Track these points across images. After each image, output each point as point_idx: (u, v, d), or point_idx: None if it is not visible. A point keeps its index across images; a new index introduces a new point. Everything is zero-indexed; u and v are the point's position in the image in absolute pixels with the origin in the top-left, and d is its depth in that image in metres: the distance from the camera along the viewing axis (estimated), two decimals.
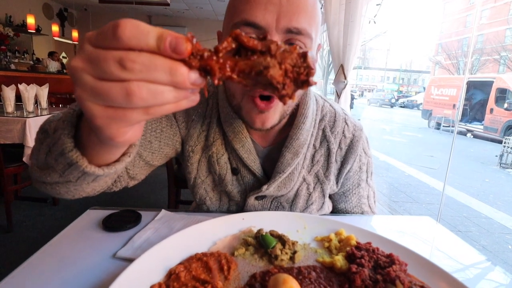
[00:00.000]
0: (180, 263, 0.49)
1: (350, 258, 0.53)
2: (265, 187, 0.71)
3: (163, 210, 0.73)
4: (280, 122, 0.67)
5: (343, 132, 0.77)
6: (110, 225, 0.64)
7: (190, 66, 0.25)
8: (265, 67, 0.27)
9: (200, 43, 0.26)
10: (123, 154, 0.41)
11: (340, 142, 0.77)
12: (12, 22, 6.44)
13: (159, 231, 0.64)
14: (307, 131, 0.72)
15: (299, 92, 0.64)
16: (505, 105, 9.15)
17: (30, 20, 5.87)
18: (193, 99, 0.28)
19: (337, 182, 0.79)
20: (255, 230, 0.61)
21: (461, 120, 11.03)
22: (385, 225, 0.79)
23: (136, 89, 0.24)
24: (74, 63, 0.25)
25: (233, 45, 0.27)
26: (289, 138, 0.71)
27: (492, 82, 9.92)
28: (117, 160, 0.41)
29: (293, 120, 0.72)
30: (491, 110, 9.63)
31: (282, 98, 0.29)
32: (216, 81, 0.26)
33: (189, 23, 9.11)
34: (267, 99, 0.59)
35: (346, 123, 0.78)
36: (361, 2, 1.51)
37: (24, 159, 2.21)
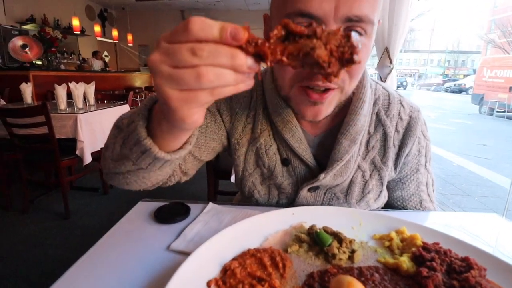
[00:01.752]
0: (234, 259, 0.47)
1: (418, 260, 0.48)
2: (322, 175, 0.68)
3: (210, 203, 0.72)
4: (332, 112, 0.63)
5: (399, 114, 0.71)
6: (161, 217, 0.65)
7: (247, 52, 0.29)
8: (311, 48, 0.30)
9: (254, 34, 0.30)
10: (185, 143, 0.47)
11: (396, 125, 0.71)
12: (59, 25, 6.93)
13: (208, 224, 0.64)
14: (365, 117, 0.68)
15: (357, 75, 0.58)
16: None
17: (75, 22, 6.26)
18: (249, 83, 0.32)
19: (395, 168, 0.74)
20: (306, 226, 0.58)
21: None
22: (446, 222, 0.71)
23: (204, 72, 0.28)
24: (153, 57, 0.30)
25: (283, 32, 0.31)
26: (345, 124, 0.67)
27: None
28: (181, 148, 0.47)
29: (346, 105, 0.68)
30: None
31: (328, 77, 0.32)
32: (269, 63, 0.30)
33: (220, 15, 9.15)
34: (323, 91, 0.55)
35: (402, 105, 0.72)
36: None
37: (77, 152, 2.39)
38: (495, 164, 4.85)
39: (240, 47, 0.29)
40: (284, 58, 0.30)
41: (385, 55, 1.68)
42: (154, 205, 0.71)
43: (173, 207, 0.69)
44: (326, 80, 0.32)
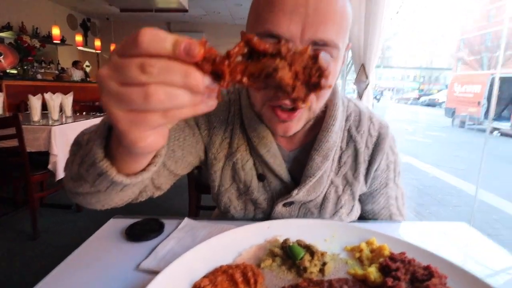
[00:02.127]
0: (205, 276, 0.47)
1: (385, 270, 0.49)
2: (295, 191, 0.69)
3: (186, 218, 0.72)
4: (304, 127, 0.65)
5: (369, 131, 0.74)
6: (133, 234, 0.63)
7: (203, 70, 0.27)
8: (274, 69, 0.27)
9: (214, 48, 0.27)
10: (149, 164, 0.42)
11: (367, 141, 0.74)
12: (38, 34, 6.75)
13: (182, 240, 0.63)
14: (336, 133, 0.70)
15: (325, 95, 0.61)
16: None
17: (56, 31, 6.12)
18: (211, 104, 0.29)
19: (366, 182, 0.76)
20: (281, 240, 0.59)
21: (486, 118, 10.51)
22: (416, 232, 0.74)
23: (153, 91, 0.25)
24: (101, 71, 0.27)
25: (245, 50, 0.28)
26: (318, 140, 0.69)
27: None
28: (144, 170, 0.42)
29: (320, 120, 0.70)
30: None
31: (294, 102, 0.29)
32: (225, 85, 0.27)
33: (207, 28, 9.24)
34: (290, 110, 0.57)
35: (372, 121, 0.75)
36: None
37: (49, 166, 2.28)
38: (467, 175, 5.07)
39: (196, 64, 0.26)
40: (245, 79, 0.27)
41: (362, 71, 1.75)
42: (127, 222, 0.69)
43: (146, 223, 0.68)
44: (293, 104, 0.30)
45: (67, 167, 0.53)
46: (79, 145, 0.50)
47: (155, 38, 0.25)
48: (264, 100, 0.58)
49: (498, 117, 10.81)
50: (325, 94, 0.60)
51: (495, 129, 10.35)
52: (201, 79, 0.26)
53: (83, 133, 0.53)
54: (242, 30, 0.66)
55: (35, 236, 2.34)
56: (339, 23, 0.52)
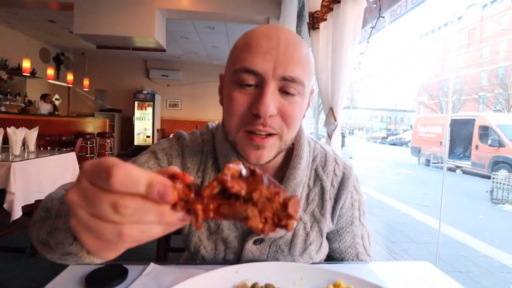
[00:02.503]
0: None
1: None
2: None
3: (151, 264, 0.68)
4: (275, 158, 0.68)
5: (334, 171, 0.79)
6: (94, 282, 0.59)
7: (177, 210, 0.28)
8: (245, 217, 0.29)
9: (188, 176, 0.30)
10: None
11: (332, 180, 0.79)
12: (7, 66, 6.58)
13: (147, 287, 0.59)
14: (303, 171, 0.74)
15: (296, 127, 0.66)
16: (489, 142, 9.45)
17: (26, 64, 6.01)
18: (184, 223, 0.31)
19: (332, 220, 0.79)
20: (249, 284, 0.58)
21: (449, 157, 11.26)
22: (383, 272, 0.75)
23: (127, 231, 0.27)
24: (71, 196, 0.27)
25: (217, 189, 0.30)
26: (286, 178, 0.73)
27: (474, 120, 10.35)
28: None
29: (288, 161, 0.74)
30: (477, 146, 9.91)
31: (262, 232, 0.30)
32: (198, 225, 0.29)
33: (184, 67, 9.47)
34: (264, 135, 0.62)
35: (337, 162, 0.81)
36: (345, 50, 1.62)
37: (5, 205, 2.11)
38: (435, 211, 5.27)
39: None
40: (216, 216, 0.29)
41: (330, 114, 1.86)
42: (87, 268, 0.65)
43: (108, 270, 0.64)
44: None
45: (34, 227, 0.51)
46: (47, 212, 0.49)
47: (128, 180, 0.26)
48: (239, 126, 0.63)
49: (462, 156, 11.64)
50: (295, 125, 0.64)
51: (457, 167, 11.06)
52: (174, 218, 0.28)
53: (52, 198, 0.53)
54: (220, 73, 0.71)
55: None
56: (303, 65, 0.61)
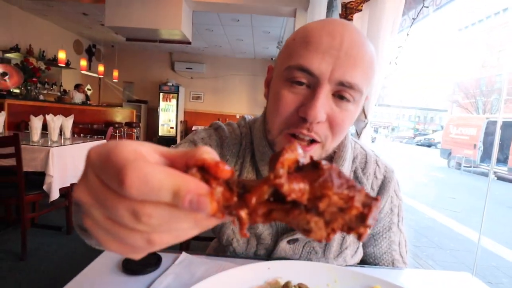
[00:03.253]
0: None
1: None
2: None
3: (183, 253, 0.69)
4: None
5: (374, 174, 0.75)
6: (130, 268, 0.61)
7: (216, 216, 0.22)
8: (305, 229, 0.22)
9: (225, 166, 0.22)
10: None
11: (372, 183, 0.75)
12: (44, 57, 6.94)
13: (180, 277, 0.60)
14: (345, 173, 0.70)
15: (341, 136, 0.62)
16: None
17: (62, 55, 6.31)
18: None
19: None
20: (281, 282, 0.57)
21: (482, 161, 10.63)
22: (420, 281, 0.72)
23: (157, 239, 0.21)
24: (80, 194, 0.22)
25: (268, 193, 0.22)
26: None
27: None
28: None
29: (329, 160, 0.71)
30: None
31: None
32: (243, 233, 0.22)
33: (208, 60, 9.57)
34: (307, 142, 0.58)
35: (377, 165, 0.76)
36: (382, 44, 1.54)
37: (45, 187, 2.25)
38: (464, 218, 5.02)
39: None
40: (267, 222, 0.22)
41: (361, 111, 1.80)
42: None
43: (143, 257, 0.65)
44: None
45: (73, 211, 0.50)
46: (77, 206, 0.46)
47: (146, 187, 0.19)
48: (282, 127, 0.59)
49: (496, 160, 10.97)
50: (341, 135, 0.61)
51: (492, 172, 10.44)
52: (214, 223, 0.22)
53: None
54: (270, 64, 0.69)
55: (24, 257, 2.26)
56: (365, 70, 0.56)
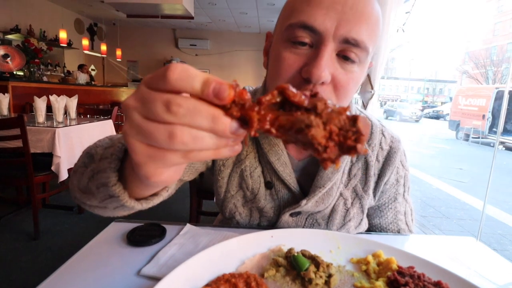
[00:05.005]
0: (208, 285, 0.45)
1: (393, 284, 0.48)
2: (303, 202, 0.67)
3: (188, 225, 0.70)
4: None
5: (380, 144, 0.73)
6: (134, 239, 0.62)
7: (231, 115, 0.25)
8: (307, 125, 0.25)
9: (246, 91, 0.26)
10: (162, 189, 0.42)
11: (377, 155, 0.73)
12: (45, 37, 6.84)
13: (184, 247, 0.61)
14: None
15: (345, 100, 0.58)
16: None
17: (63, 35, 6.21)
18: (235, 149, 0.28)
19: (374, 196, 0.74)
20: (285, 249, 0.57)
21: (491, 132, 10.44)
22: (424, 246, 0.72)
23: (179, 132, 0.24)
24: (128, 101, 0.26)
25: (278, 99, 0.26)
26: None
27: None
28: (155, 194, 0.42)
29: None
30: None
31: (323, 162, 0.26)
32: (252, 133, 0.26)
33: (212, 35, 9.33)
34: None
35: (383, 135, 0.74)
36: (389, 9, 1.47)
37: (53, 168, 2.29)
38: (471, 188, 5.01)
39: (224, 107, 0.25)
40: (273, 130, 0.26)
41: (367, 81, 1.74)
42: (128, 226, 0.68)
43: (147, 228, 0.66)
44: (320, 164, 0.28)
45: (75, 176, 0.50)
46: (91, 158, 0.48)
47: (184, 75, 0.24)
48: None
49: (503, 130, 10.75)
50: (346, 100, 0.58)
51: (500, 143, 10.29)
52: (228, 125, 0.25)
53: (96, 146, 0.50)
54: (268, 31, 0.66)
55: (37, 237, 2.34)
56: (372, 27, 0.53)
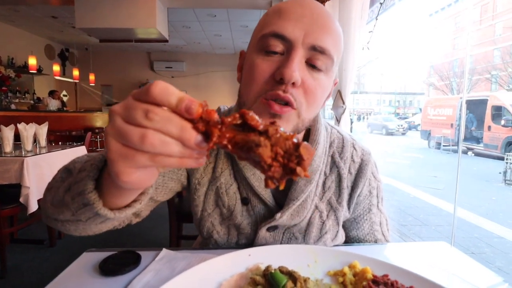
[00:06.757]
0: None
1: None
2: (278, 215, 0.68)
3: (164, 249, 0.68)
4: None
5: (351, 157, 0.76)
6: (107, 268, 0.59)
7: (197, 129, 0.30)
8: (256, 144, 0.29)
9: (214, 112, 0.30)
10: (134, 201, 0.44)
11: (349, 167, 0.75)
12: (14, 64, 6.63)
13: (160, 273, 0.59)
14: (320, 158, 0.71)
15: (316, 108, 0.62)
16: (502, 122, 9.23)
17: (32, 62, 6.05)
18: (199, 161, 0.32)
19: (349, 208, 0.76)
20: (263, 267, 0.57)
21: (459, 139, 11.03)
22: (399, 253, 0.74)
23: (150, 135, 0.29)
24: (114, 107, 0.31)
25: (239, 121, 0.31)
26: None
27: (487, 100, 10.07)
28: (128, 205, 0.44)
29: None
30: (489, 127, 9.70)
31: (266, 180, 0.31)
32: (211, 144, 0.30)
33: (187, 57, 9.42)
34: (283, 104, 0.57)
35: (354, 148, 0.77)
36: (353, 29, 1.56)
37: (21, 199, 2.16)
38: (446, 194, 5.21)
39: (192, 122, 0.30)
40: (230, 146, 0.30)
41: (338, 97, 1.82)
42: (101, 255, 0.65)
43: (121, 256, 0.64)
44: (265, 184, 0.32)
45: (49, 192, 0.53)
46: (68, 172, 0.51)
47: (164, 91, 0.29)
48: (259, 93, 0.58)
49: (471, 138, 11.40)
50: (314, 103, 0.60)
51: (469, 149, 10.86)
52: (193, 135, 0.30)
53: (74, 161, 0.54)
54: (241, 50, 0.69)
55: (3, 275, 2.17)
56: (335, 39, 0.59)
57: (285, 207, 0.69)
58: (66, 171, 0.52)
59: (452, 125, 11.00)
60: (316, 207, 0.73)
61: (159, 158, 0.30)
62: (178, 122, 0.29)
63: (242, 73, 0.66)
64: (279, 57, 0.57)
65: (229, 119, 0.30)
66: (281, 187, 0.31)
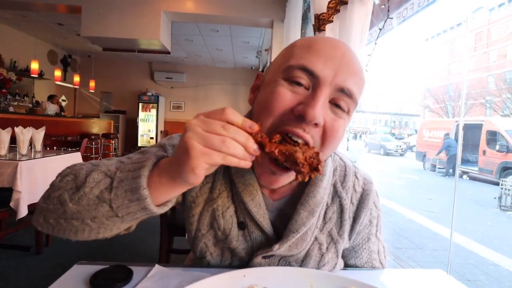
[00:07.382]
0: None
1: None
2: (276, 246, 0.65)
3: (156, 265, 0.67)
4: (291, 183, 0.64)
5: (353, 187, 0.74)
6: (98, 283, 0.58)
7: (255, 140, 0.46)
8: (294, 151, 0.47)
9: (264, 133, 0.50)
10: (168, 201, 0.53)
11: (351, 197, 0.73)
12: (16, 67, 6.66)
13: None
14: (324, 189, 0.68)
15: (325, 156, 0.62)
16: (497, 147, 9.32)
17: (34, 66, 6.08)
18: (247, 164, 0.46)
19: (349, 239, 0.74)
20: None
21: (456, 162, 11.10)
22: (395, 280, 0.73)
23: (228, 140, 0.43)
24: (192, 121, 0.44)
25: (278, 139, 0.51)
26: (305, 195, 0.67)
27: (482, 124, 10.21)
28: (164, 204, 0.52)
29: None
30: (484, 152, 9.78)
31: (298, 173, 0.48)
32: (267, 149, 0.47)
33: (188, 69, 9.53)
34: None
35: (356, 177, 0.75)
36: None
37: (11, 204, 2.11)
38: (441, 218, 5.19)
39: (251, 135, 0.45)
40: (276, 152, 0.47)
41: None
42: (91, 269, 0.63)
43: (113, 271, 0.62)
44: (296, 176, 0.49)
45: (65, 191, 0.52)
46: (104, 174, 0.52)
47: (234, 115, 0.45)
48: (276, 125, 0.56)
49: (467, 161, 11.47)
50: (332, 147, 0.59)
51: (464, 173, 10.90)
52: (253, 143, 0.45)
53: (106, 164, 0.55)
54: (259, 71, 0.70)
55: None
56: (360, 84, 0.59)
57: (284, 239, 0.66)
58: (101, 173, 0.52)
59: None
60: (316, 238, 0.70)
61: (228, 157, 0.43)
62: (244, 134, 0.44)
63: (257, 95, 0.64)
64: (303, 90, 0.55)
65: (275, 138, 0.50)
66: (306, 179, 0.48)
